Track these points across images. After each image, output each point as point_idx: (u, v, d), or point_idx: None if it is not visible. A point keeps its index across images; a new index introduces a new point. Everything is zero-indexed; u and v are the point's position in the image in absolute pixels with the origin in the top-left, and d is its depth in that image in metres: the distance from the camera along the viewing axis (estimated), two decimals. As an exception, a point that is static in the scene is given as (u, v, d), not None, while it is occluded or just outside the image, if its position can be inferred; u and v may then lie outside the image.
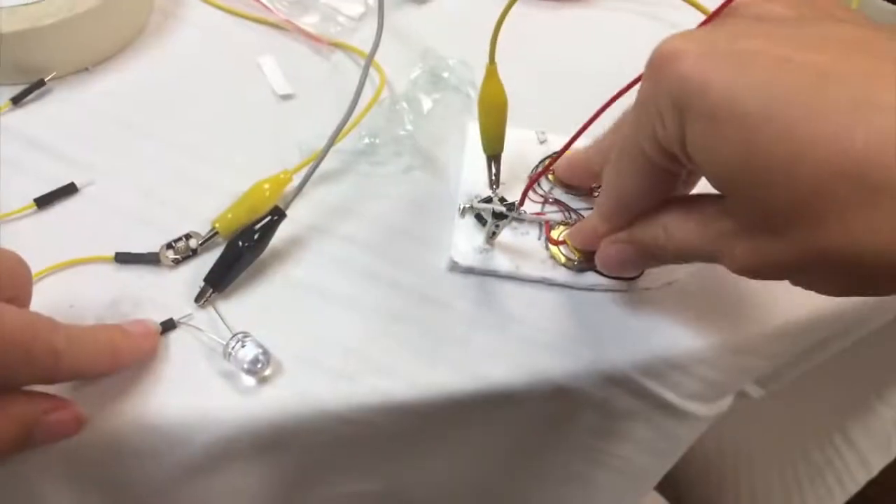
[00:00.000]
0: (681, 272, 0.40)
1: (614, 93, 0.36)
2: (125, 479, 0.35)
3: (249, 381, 0.36)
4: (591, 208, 0.43)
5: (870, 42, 0.25)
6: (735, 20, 0.29)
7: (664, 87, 0.27)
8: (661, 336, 0.39)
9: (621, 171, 0.32)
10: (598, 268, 0.38)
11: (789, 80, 0.24)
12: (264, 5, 0.54)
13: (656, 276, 0.40)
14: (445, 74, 0.50)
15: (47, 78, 0.47)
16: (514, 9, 0.36)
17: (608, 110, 0.37)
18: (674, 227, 0.32)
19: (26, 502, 0.35)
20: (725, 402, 0.44)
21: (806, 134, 0.24)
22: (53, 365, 0.30)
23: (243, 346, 0.35)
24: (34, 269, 0.37)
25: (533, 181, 0.39)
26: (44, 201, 0.41)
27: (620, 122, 0.37)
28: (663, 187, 0.32)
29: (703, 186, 0.32)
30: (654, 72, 0.28)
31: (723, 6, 0.30)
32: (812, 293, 0.28)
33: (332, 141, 0.42)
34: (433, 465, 0.43)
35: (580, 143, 0.39)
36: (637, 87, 0.31)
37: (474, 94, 0.49)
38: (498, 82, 0.40)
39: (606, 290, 0.40)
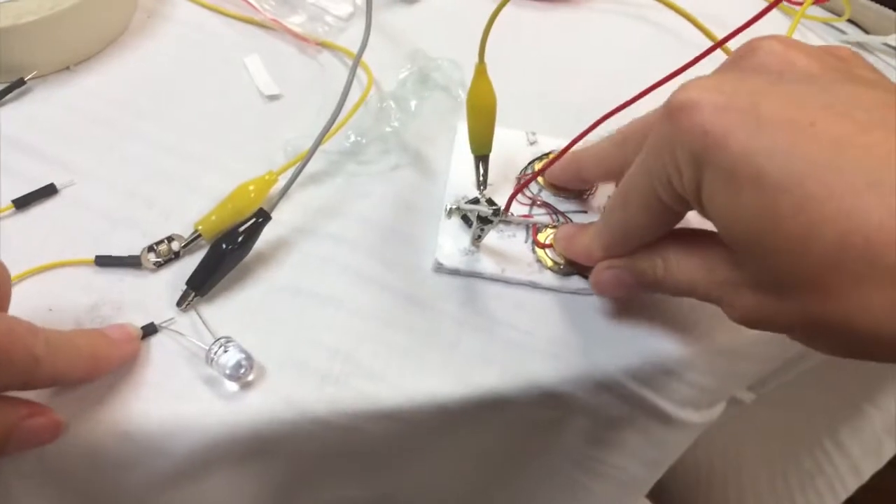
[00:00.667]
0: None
1: (605, 95, 0.35)
2: (103, 489, 0.34)
3: (232, 386, 0.35)
4: (580, 211, 0.42)
5: (891, 110, 0.25)
6: (755, 74, 0.29)
7: (683, 137, 0.27)
8: (651, 341, 0.38)
9: (629, 207, 0.32)
10: (592, 288, 0.37)
11: (809, 150, 0.24)
12: (251, 4, 0.53)
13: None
14: (435, 74, 0.49)
15: (28, 77, 0.46)
16: (506, 10, 0.36)
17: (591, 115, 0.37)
18: (675, 263, 0.32)
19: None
20: (717, 410, 0.43)
21: (823, 209, 0.24)
22: (32, 370, 0.29)
23: (226, 351, 0.34)
24: (12, 272, 0.36)
25: (521, 187, 0.38)
26: (22, 202, 0.41)
27: (621, 138, 0.36)
28: (670, 225, 0.32)
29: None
30: (672, 119, 0.27)
31: (741, 50, 0.30)
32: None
33: (318, 141, 0.41)
34: (421, 471, 0.42)
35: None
36: (638, 101, 0.31)
37: (463, 95, 0.49)
38: (487, 81, 0.40)
39: (593, 294, 0.39)
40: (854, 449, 0.66)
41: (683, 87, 0.27)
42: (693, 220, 0.32)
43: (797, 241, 0.24)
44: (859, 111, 0.25)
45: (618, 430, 0.41)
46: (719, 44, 0.32)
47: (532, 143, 0.46)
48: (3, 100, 0.46)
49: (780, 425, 0.70)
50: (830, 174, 0.24)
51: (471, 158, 0.42)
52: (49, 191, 0.41)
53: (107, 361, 0.33)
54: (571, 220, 0.42)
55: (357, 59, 0.47)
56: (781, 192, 0.24)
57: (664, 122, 0.28)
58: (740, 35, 0.31)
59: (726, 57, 0.32)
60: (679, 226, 0.32)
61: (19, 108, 0.46)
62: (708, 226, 0.29)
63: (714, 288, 0.30)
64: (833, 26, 0.62)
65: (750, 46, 0.30)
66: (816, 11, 0.62)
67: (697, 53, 0.31)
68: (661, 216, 0.31)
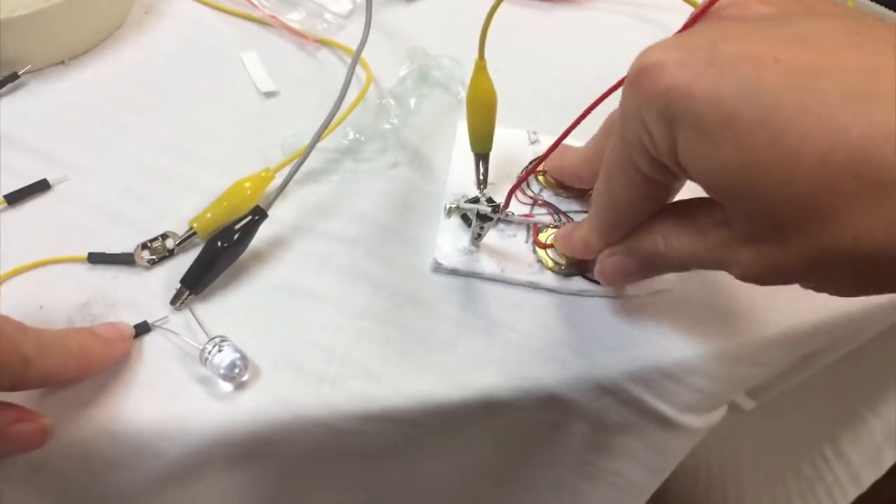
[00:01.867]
0: (671, 280, 0.39)
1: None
2: (93, 490, 0.33)
3: (227, 386, 0.34)
4: (582, 211, 0.42)
5: (856, 35, 0.24)
6: (713, 24, 0.28)
7: (648, 100, 0.26)
8: (652, 344, 0.37)
9: (613, 186, 0.31)
10: (598, 280, 0.37)
11: (776, 81, 0.24)
12: (249, 1, 0.53)
13: (646, 283, 0.39)
14: (434, 72, 0.49)
15: (21, 71, 0.46)
16: (505, 9, 0.35)
17: (595, 112, 0.36)
18: (672, 237, 0.31)
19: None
20: (718, 414, 0.42)
21: (799, 133, 0.23)
22: (22, 371, 0.28)
23: (220, 351, 0.34)
24: (3, 269, 0.35)
25: (519, 182, 0.38)
26: (14, 198, 0.40)
27: (607, 127, 0.36)
28: (658, 199, 0.31)
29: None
30: (636, 85, 0.27)
31: (699, 12, 0.29)
32: (805, 300, 0.27)
33: (316, 138, 0.40)
34: (418, 474, 0.41)
35: (570, 143, 0.38)
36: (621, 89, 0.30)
37: (464, 93, 0.48)
38: (487, 78, 0.39)
39: (595, 296, 0.39)
40: (854, 457, 0.66)
41: (643, 51, 0.27)
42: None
43: (780, 171, 0.23)
44: (822, 39, 0.24)
45: (618, 434, 0.40)
46: (703, 9, 0.31)
47: (533, 143, 0.46)
48: (-4, 94, 0.45)
49: (780, 433, 0.69)
50: (802, 98, 0.23)
51: (471, 157, 0.42)
52: (42, 186, 0.41)
53: (98, 361, 0.33)
54: (573, 220, 0.41)
55: (356, 56, 0.46)
56: (756, 127, 0.24)
57: (629, 89, 0.28)
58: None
59: None
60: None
61: (12, 103, 0.45)
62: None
63: (711, 251, 0.29)
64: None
65: (711, 10, 0.29)
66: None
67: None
68: (646, 189, 0.30)
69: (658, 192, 0.30)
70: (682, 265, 0.32)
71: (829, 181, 0.23)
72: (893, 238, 0.22)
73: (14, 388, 0.29)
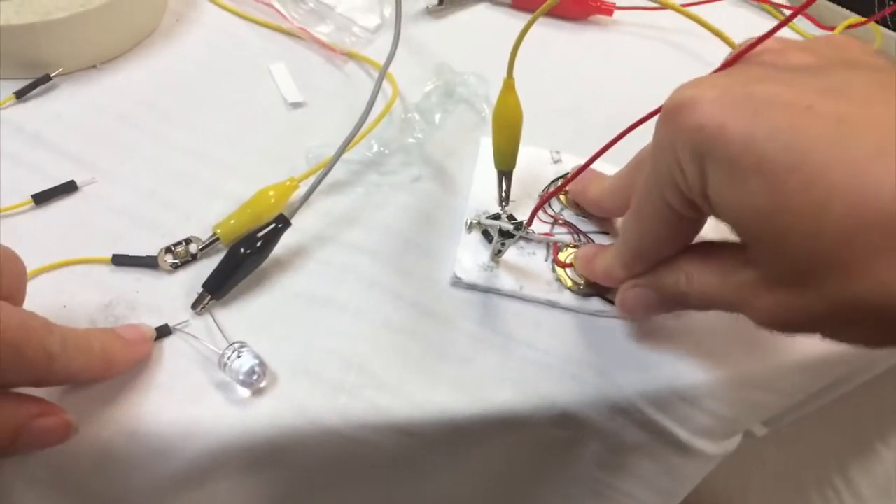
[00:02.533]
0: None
1: (632, 117, 0.35)
2: (109, 490, 0.34)
3: (244, 392, 0.34)
4: (602, 232, 0.42)
5: (893, 87, 0.25)
6: (750, 67, 0.28)
7: (681, 136, 0.27)
8: (670, 367, 0.37)
9: (642, 219, 0.32)
10: (617, 310, 0.37)
11: (810, 128, 0.24)
12: (279, 12, 0.53)
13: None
14: (460, 89, 0.49)
15: (53, 73, 0.46)
16: (534, 29, 0.35)
17: (624, 137, 0.36)
18: (695, 275, 0.31)
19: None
20: (734, 442, 0.42)
21: (831, 183, 0.23)
22: (46, 368, 0.29)
23: (239, 357, 0.34)
24: (29, 267, 0.36)
25: (543, 202, 0.38)
26: (42, 198, 0.40)
27: (635, 162, 0.36)
28: (685, 235, 0.31)
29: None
30: (670, 120, 0.27)
31: (738, 54, 0.29)
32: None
33: (342, 149, 0.41)
34: (430, 488, 0.41)
35: (595, 167, 0.38)
36: (655, 118, 0.30)
37: (488, 111, 0.49)
38: (515, 96, 0.39)
39: (612, 317, 0.39)
40: (864, 488, 0.65)
41: (679, 87, 0.27)
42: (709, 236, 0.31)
43: (808, 219, 0.24)
44: (856, 91, 0.25)
45: (631, 456, 0.40)
46: (740, 54, 0.31)
47: (556, 162, 0.46)
48: (28, 95, 0.46)
49: (790, 460, 0.69)
50: (834, 148, 0.23)
51: (494, 174, 0.42)
52: (69, 188, 0.41)
53: (120, 362, 0.33)
54: (593, 241, 0.41)
55: (384, 70, 0.47)
56: (786, 173, 0.24)
57: (663, 125, 0.28)
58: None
59: None
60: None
61: (44, 104, 0.46)
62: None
63: (733, 293, 0.29)
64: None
65: (748, 55, 0.30)
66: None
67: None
68: (675, 225, 0.30)
69: (686, 229, 0.31)
70: (703, 304, 0.32)
71: (856, 233, 0.23)
72: None
73: (37, 384, 0.30)
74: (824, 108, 0.24)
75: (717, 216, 0.28)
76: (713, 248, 0.31)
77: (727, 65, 0.29)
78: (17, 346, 0.27)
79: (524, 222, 0.37)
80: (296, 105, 0.48)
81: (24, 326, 0.28)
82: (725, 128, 0.25)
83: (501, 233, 0.37)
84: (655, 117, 0.31)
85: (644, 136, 0.32)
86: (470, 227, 0.41)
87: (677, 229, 0.31)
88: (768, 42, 0.29)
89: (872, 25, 0.60)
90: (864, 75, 0.26)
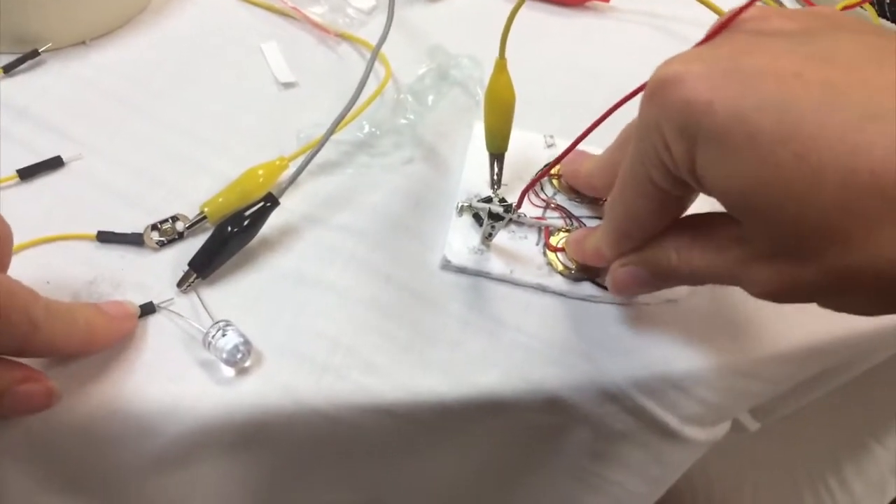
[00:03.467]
0: (682, 290, 0.39)
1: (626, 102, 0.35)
2: (90, 467, 0.33)
3: (229, 371, 0.34)
4: (595, 216, 0.41)
5: (879, 51, 0.24)
6: (734, 36, 0.28)
7: (667, 113, 0.26)
8: (659, 353, 0.37)
9: (627, 197, 0.31)
10: (610, 290, 0.36)
11: (799, 97, 0.23)
12: (272, -8, 0.53)
13: (656, 292, 0.38)
14: (453, 71, 0.49)
15: (42, 48, 0.46)
16: (528, 14, 0.35)
17: (613, 118, 0.36)
18: (686, 251, 0.31)
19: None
20: (722, 429, 0.42)
21: (822, 151, 0.22)
22: (29, 336, 0.28)
23: (224, 335, 0.34)
24: (13, 243, 0.35)
25: (532, 183, 0.37)
26: (27, 173, 0.40)
27: (623, 138, 0.35)
28: (672, 212, 0.31)
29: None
30: (655, 97, 0.27)
31: (720, 25, 0.29)
32: (816, 317, 0.27)
33: (332, 129, 0.40)
34: (415, 472, 0.41)
35: (587, 149, 0.38)
36: (639, 96, 0.30)
37: (482, 93, 0.48)
38: (507, 77, 0.39)
39: (603, 302, 0.38)
40: (857, 487, 0.65)
41: (663, 63, 0.27)
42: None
43: (802, 189, 0.23)
44: (843, 55, 0.24)
45: (619, 442, 0.39)
46: (726, 22, 0.30)
47: (549, 146, 0.45)
48: (16, 70, 0.45)
49: (784, 458, 0.69)
50: (825, 115, 0.23)
51: (486, 157, 0.42)
52: (55, 163, 0.41)
53: (102, 337, 0.33)
54: (585, 225, 0.41)
55: (376, 50, 0.46)
56: (777, 144, 0.23)
57: (647, 102, 0.27)
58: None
59: None
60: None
61: (32, 80, 0.45)
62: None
63: (729, 267, 0.28)
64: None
65: (731, 24, 0.29)
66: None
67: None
68: (661, 202, 0.30)
69: (673, 205, 0.30)
70: (695, 279, 0.31)
71: (852, 200, 0.22)
72: None
73: (19, 352, 0.29)
74: (812, 74, 0.23)
75: (708, 193, 0.27)
76: (703, 223, 0.30)
77: (712, 35, 0.29)
78: (3, 312, 0.27)
79: (514, 205, 0.37)
80: (287, 85, 0.48)
81: (9, 292, 0.27)
82: (713, 103, 0.24)
83: (491, 215, 0.37)
84: (638, 96, 0.31)
85: (633, 114, 0.32)
86: (461, 210, 0.40)
87: (664, 206, 0.30)
88: (751, 10, 0.28)
89: (868, 7, 0.59)
90: (850, 38, 0.25)
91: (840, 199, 0.22)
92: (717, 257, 0.29)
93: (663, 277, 0.32)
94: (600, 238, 0.35)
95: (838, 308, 0.27)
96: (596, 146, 0.38)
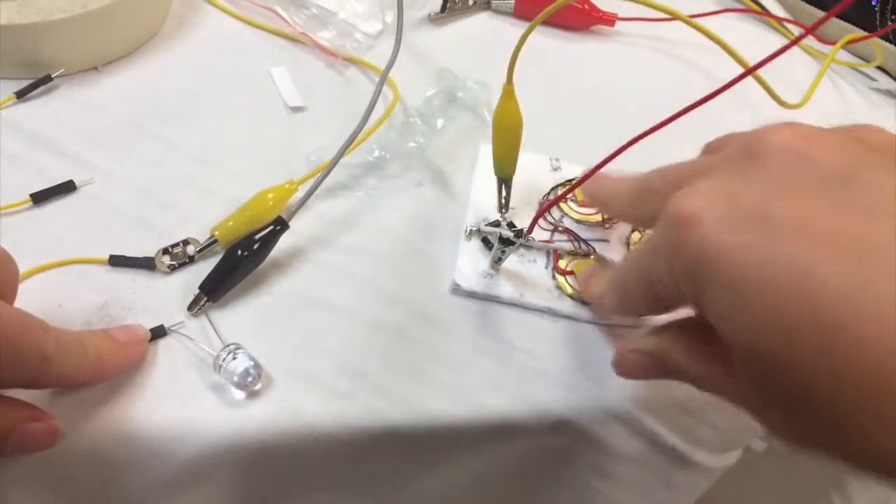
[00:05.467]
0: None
1: (633, 126, 0.34)
2: (100, 492, 0.33)
3: (239, 394, 0.34)
4: (602, 239, 0.42)
5: None
6: (771, 170, 0.25)
7: (681, 251, 0.25)
8: (669, 376, 0.37)
9: (629, 289, 0.30)
10: (613, 368, 0.34)
11: (828, 263, 0.21)
12: (282, 17, 0.53)
13: (668, 315, 0.38)
14: (461, 94, 0.49)
15: (54, 74, 0.46)
16: (535, 38, 0.35)
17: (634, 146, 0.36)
18: (696, 355, 0.29)
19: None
20: (733, 456, 0.42)
21: (852, 337, 0.20)
22: (41, 369, 0.28)
23: (234, 359, 0.34)
24: (26, 266, 0.36)
25: (544, 209, 0.38)
26: (40, 197, 0.40)
27: (644, 188, 0.33)
28: (671, 306, 0.30)
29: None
30: (671, 231, 0.25)
31: (748, 141, 0.26)
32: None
33: (341, 152, 0.41)
34: (423, 492, 0.41)
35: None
36: (664, 127, 0.30)
37: (489, 117, 0.48)
38: (514, 102, 0.39)
39: (613, 325, 0.39)
40: (861, 504, 0.65)
41: (685, 193, 0.25)
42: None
43: (824, 373, 0.21)
44: (885, 208, 0.22)
45: (629, 466, 0.39)
46: (749, 71, 0.30)
47: (555, 170, 0.46)
48: (29, 95, 0.46)
49: (789, 477, 0.68)
50: (856, 292, 0.21)
51: (493, 180, 0.42)
52: (68, 188, 0.41)
53: (113, 365, 0.33)
54: (594, 248, 0.41)
55: (385, 74, 0.46)
56: (801, 316, 0.21)
57: (662, 229, 0.26)
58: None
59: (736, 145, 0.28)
60: None
61: (44, 105, 0.46)
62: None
63: (729, 390, 0.27)
64: (862, 72, 0.61)
65: (758, 138, 0.26)
66: (845, 56, 0.62)
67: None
68: (662, 299, 0.28)
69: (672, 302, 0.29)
70: (700, 387, 0.30)
71: (876, 399, 0.20)
72: None
73: (30, 385, 0.29)
74: (845, 232, 0.21)
75: (712, 322, 0.25)
76: (700, 333, 0.29)
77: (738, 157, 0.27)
78: (14, 345, 0.27)
79: (525, 230, 0.37)
80: (296, 109, 0.48)
81: (21, 325, 0.28)
82: (730, 253, 0.23)
83: (502, 240, 0.37)
84: (666, 127, 0.31)
85: (655, 145, 0.32)
86: (469, 234, 0.41)
87: (663, 302, 0.29)
88: (782, 135, 0.26)
89: (874, 41, 0.60)
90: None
91: (861, 395, 0.21)
92: (719, 384, 0.28)
93: (670, 375, 0.31)
94: (607, 291, 0.34)
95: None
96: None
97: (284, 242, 0.39)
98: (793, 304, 0.21)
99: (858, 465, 0.22)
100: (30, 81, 0.46)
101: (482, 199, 0.43)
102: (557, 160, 0.46)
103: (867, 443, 0.21)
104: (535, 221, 0.38)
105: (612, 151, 0.34)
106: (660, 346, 0.31)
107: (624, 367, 0.33)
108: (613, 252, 0.41)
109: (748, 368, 0.25)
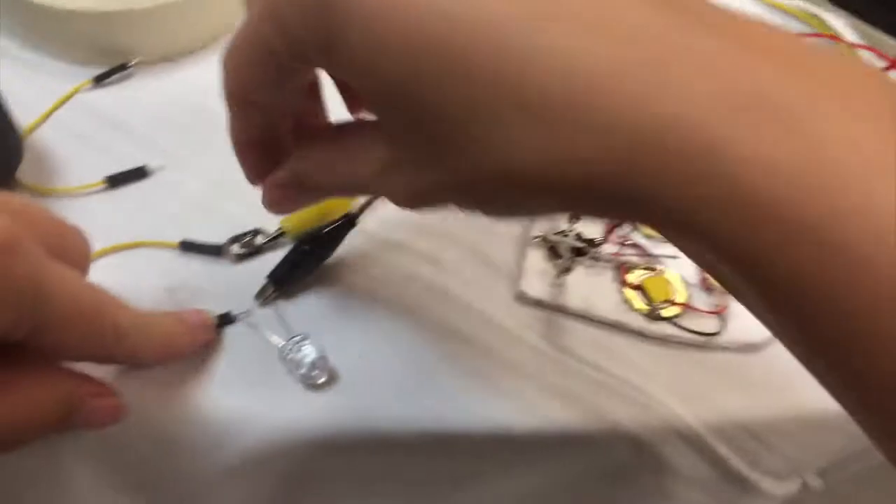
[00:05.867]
0: (766, 333, 0.38)
1: None
2: (161, 474, 0.33)
3: (303, 387, 0.34)
4: (672, 256, 0.41)
5: None
6: None
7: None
8: (739, 400, 0.36)
9: (239, 63, 0.27)
10: (265, 207, 0.32)
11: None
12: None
13: (737, 337, 0.38)
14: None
15: (131, 62, 0.47)
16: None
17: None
18: (329, 163, 0.29)
19: (51, 485, 0.33)
20: (794, 486, 0.41)
21: (459, 44, 0.20)
22: (115, 344, 0.28)
23: (301, 350, 0.34)
24: (97, 246, 0.36)
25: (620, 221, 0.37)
26: (114, 181, 0.41)
27: None
28: (293, 85, 0.28)
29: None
30: None
31: None
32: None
33: (413, 154, 0.41)
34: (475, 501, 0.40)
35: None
36: None
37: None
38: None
39: (683, 343, 0.38)
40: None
41: None
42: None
43: (435, 85, 0.21)
44: None
45: (692, 490, 0.38)
46: None
47: (626, 184, 0.45)
48: (106, 81, 0.46)
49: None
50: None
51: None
52: (141, 173, 0.41)
53: (181, 347, 0.33)
54: (664, 264, 0.40)
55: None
56: (416, 30, 0.20)
57: None
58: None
59: None
60: None
61: (121, 91, 0.46)
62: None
63: (368, 177, 0.26)
64: None
65: None
66: None
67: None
68: (279, 74, 0.26)
69: (293, 79, 0.27)
70: (341, 191, 0.31)
71: (487, 99, 0.20)
72: (542, 161, 0.20)
73: (102, 360, 0.29)
74: None
75: (342, 76, 0.24)
76: (341, 133, 0.29)
77: None
78: (91, 319, 0.27)
79: (598, 240, 0.36)
80: (367, 110, 0.48)
81: (98, 300, 0.28)
82: None
83: (574, 250, 0.36)
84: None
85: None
86: (537, 242, 0.40)
87: (282, 79, 0.26)
88: None
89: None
90: None
91: (474, 96, 0.20)
92: (354, 170, 0.27)
93: (311, 192, 0.30)
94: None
95: (470, 210, 0.25)
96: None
97: (353, 240, 0.38)
98: (414, 29, 0.20)
99: (474, 185, 0.22)
100: (107, 68, 0.46)
101: (551, 209, 0.43)
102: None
103: (512, 147, 0.20)
104: (610, 231, 0.37)
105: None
106: (295, 169, 0.30)
107: (272, 203, 0.32)
108: (684, 269, 0.40)
109: (379, 105, 0.24)
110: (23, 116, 0.41)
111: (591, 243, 0.36)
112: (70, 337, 0.26)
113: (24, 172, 0.40)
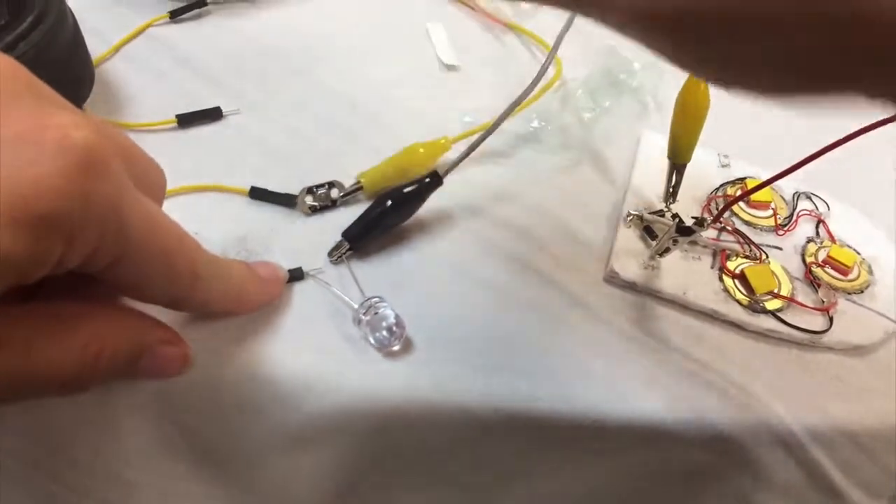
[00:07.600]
0: (877, 335, 0.35)
1: (805, 131, 0.30)
2: (216, 433, 0.31)
3: (376, 352, 0.31)
4: (776, 247, 0.38)
5: None
6: None
7: None
8: (844, 405, 0.33)
9: None
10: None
11: None
12: (441, -26, 0.51)
13: (845, 338, 0.34)
14: (623, 76, 0.46)
15: (210, 0, 0.45)
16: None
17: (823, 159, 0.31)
18: None
19: (105, 437, 0.31)
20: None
21: None
22: (190, 287, 0.26)
23: (377, 313, 0.31)
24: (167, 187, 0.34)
25: (731, 203, 0.34)
26: (186, 120, 0.39)
27: None
28: None
29: None
30: None
31: None
32: None
33: (504, 117, 0.38)
34: (550, 493, 0.37)
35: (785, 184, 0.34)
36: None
37: (653, 102, 0.45)
38: (704, 85, 0.35)
39: (784, 340, 0.35)
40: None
41: None
42: None
43: None
44: None
45: (778, 497, 0.35)
46: None
47: (724, 166, 0.42)
48: (182, 17, 0.44)
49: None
50: None
51: (654, 168, 0.38)
52: (214, 114, 0.39)
53: (252, 299, 0.31)
54: (766, 254, 0.37)
55: (557, 43, 0.43)
56: None
57: None
58: None
59: None
60: None
61: (197, 29, 0.44)
62: None
63: None
64: None
65: None
66: None
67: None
68: None
69: None
70: None
71: None
72: None
73: (176, 304, 0.27)
74: None
75: None
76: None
77: None
78: (170, 258, 0.24)
79: (705, 219, 0.33)
80: (450, 67, 0.46)
81: (178, 238, 0.25)
82: None
83: (679, 229, 0.33)
84: (865, 135, 0.27)
85: (861, 160, 0.28)
86: (630, 220, 0.37)
87: None
88: None
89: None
90: None
91: None
92: None
93: None
94: None
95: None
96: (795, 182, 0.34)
97: (432, 202, 0.36)
98: None
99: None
100: (184, 3, 0.44)
101: (643, 186, 0.40)
102: (726, 157, 0.42)
103: None
104: (721, 214, 0.34)
105: (783, 158, 0.30)
106: None
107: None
108: (787, 261, 0.37)
109: None
110: (94, 46, 0.39)
111: (701, 223, 0.33)
112: (147, 274, 0.24)
113: (92, 104, 0.38)
